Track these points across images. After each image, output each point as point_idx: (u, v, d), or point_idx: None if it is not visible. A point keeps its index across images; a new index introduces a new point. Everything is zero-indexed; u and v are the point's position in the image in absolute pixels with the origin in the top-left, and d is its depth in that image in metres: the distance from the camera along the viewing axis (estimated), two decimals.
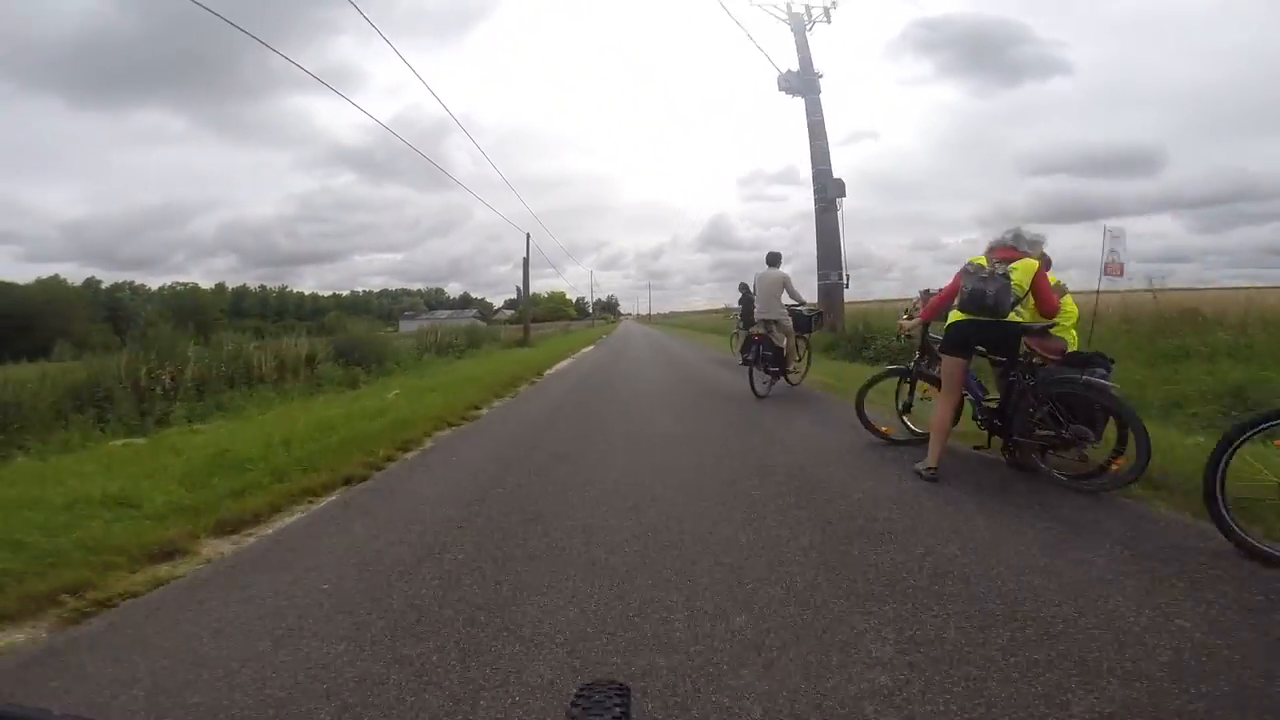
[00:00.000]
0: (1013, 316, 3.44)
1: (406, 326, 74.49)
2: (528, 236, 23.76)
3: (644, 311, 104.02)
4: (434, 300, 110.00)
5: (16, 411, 5.90)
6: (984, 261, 3.49)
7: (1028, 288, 3.49)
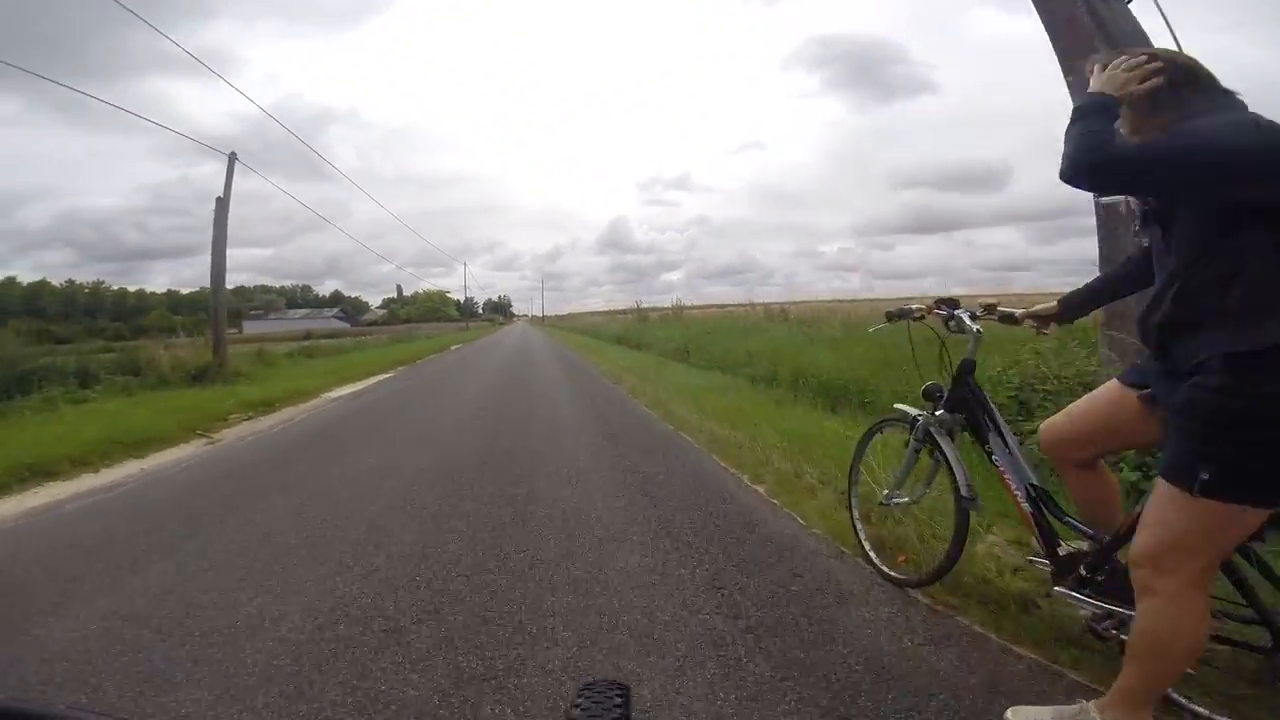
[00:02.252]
0: None
1: (252, 327, 71.40)
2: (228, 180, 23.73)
3: (537, 313, 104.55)
4: (301, 298, 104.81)
5: None
6: None
7: None
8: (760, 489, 4.00)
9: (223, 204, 11.52)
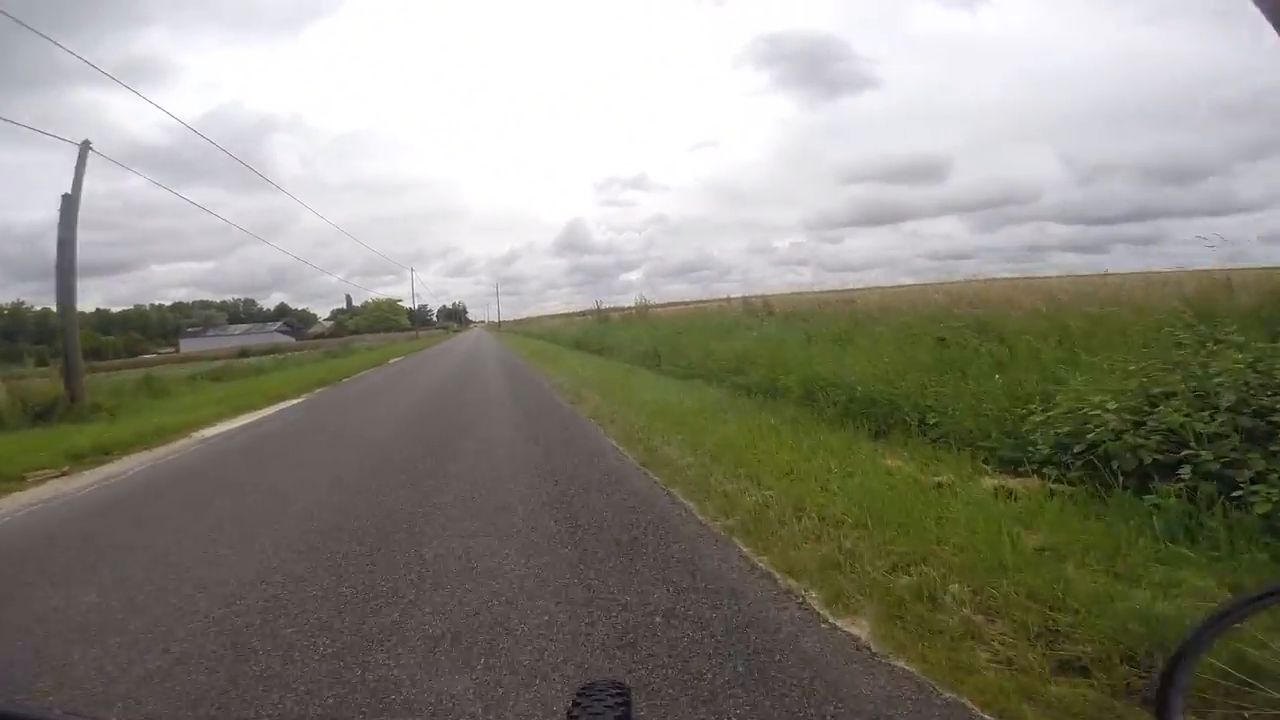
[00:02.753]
0: None
1: (190, 345, 67.49)
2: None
3: (495, 319, 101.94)
4: (244, 313, 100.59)
5: None
6: None
7: None
8: None
9: (70, 201, 9.16)
